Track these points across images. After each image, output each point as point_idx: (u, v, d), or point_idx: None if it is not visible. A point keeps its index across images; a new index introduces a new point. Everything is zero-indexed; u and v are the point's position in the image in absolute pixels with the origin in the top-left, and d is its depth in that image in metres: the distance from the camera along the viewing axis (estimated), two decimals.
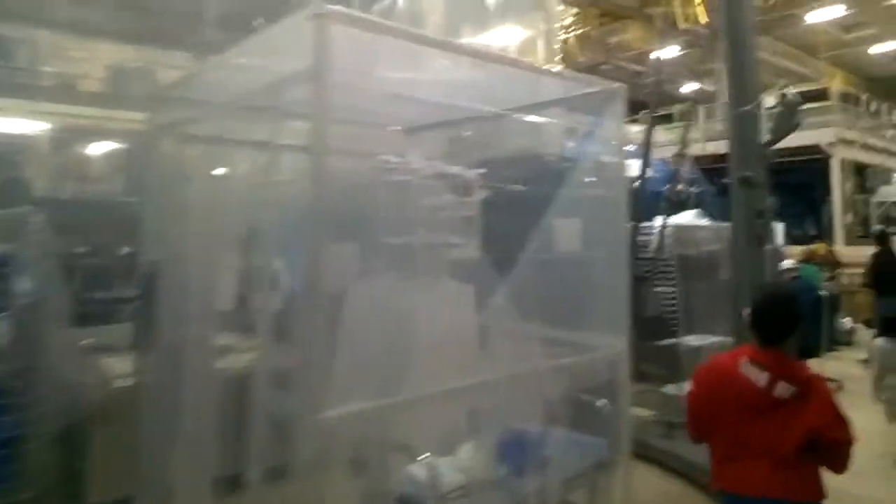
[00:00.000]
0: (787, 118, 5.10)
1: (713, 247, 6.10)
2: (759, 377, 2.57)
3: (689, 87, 28.86)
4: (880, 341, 6.09)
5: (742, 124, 5.16)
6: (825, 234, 16.62)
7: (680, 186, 14.20)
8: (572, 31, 21.31)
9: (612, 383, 3.18)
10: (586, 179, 3.35)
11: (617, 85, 3.43)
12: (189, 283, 3.12)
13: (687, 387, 5.89)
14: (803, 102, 5.29)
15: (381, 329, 3.19)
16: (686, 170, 14.93)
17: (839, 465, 2.64)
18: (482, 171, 4.01)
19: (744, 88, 5.19)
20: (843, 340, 9.88)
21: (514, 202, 4.03)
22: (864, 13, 22.48)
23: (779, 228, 10.82)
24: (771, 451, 2.58)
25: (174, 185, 3.44)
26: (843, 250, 13.47)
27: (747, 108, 5.10)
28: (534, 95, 3.76)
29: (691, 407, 2.90)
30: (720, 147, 19.01)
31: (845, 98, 18.92)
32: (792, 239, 16.58)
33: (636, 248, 6.09)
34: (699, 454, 5.03)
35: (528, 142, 3.90)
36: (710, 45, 23.98)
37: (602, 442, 3.10)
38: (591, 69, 28.10)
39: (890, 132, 20.85)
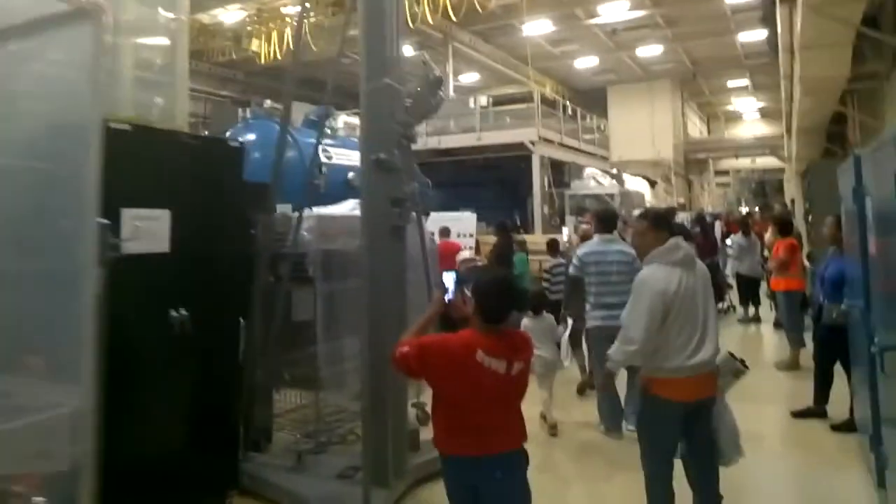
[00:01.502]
0: (427, 97, 4.34)
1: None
2: (499, 366, 2.68)
3: None
4: (525, 320, 5.72)
5: (375, 100, 4.29)
6: (529, 225, 17.29)
7: None
8: (305, 18, 19.88)
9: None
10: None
11: (90, 3, 2.17)
12: None
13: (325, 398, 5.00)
14: (443, 81, 4.55)
15: None
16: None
17: None
18: None
19: (378, 60, 4.32)
20: None
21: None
22: (567, 30, 24.15)
23: (470, 218, 10.57)
24: (507, 416, 2.80)
25: None
26: (536, 238, 13.86)
27: (381, 82, 4.24)
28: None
29: (411, 374, 2.93)
30: (445, 142, 19.28)
31: (548, 103, 19.93)
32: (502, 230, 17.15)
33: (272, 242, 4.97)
34: (324, 490, 4.15)
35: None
36: (444, 48, 24.38)
37: None
38: (331, 62, 27.11)
39: (587, 136, 22.59)
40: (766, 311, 10.25)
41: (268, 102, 12.48)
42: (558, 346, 6.23)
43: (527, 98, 19.14)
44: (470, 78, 28.16)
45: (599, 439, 5.48)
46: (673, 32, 24.47)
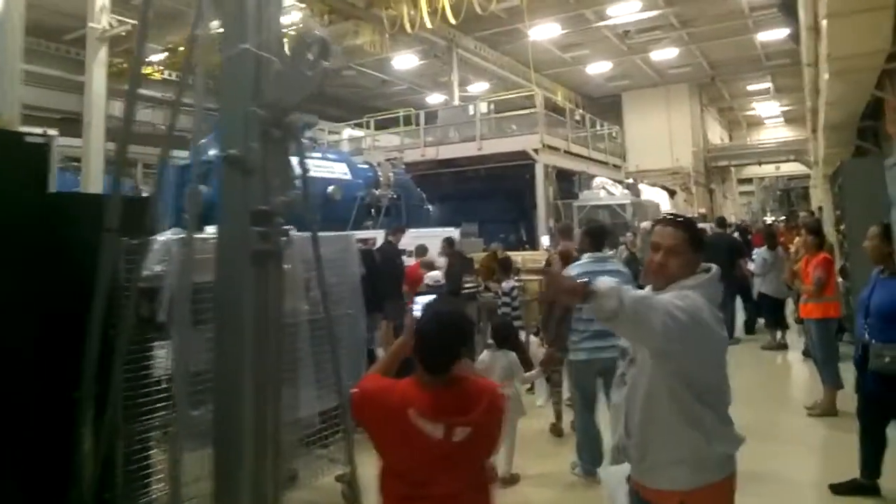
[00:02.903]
0: (301, 68, 3.06)
1: None
2: (434, 429, 2.08)
3: (435, 98, 28.12)
4: (484, 354, 4.92)
5: (231, 73, 3.04)
6: (535, 240, 15.93)
7: (379, 191, 12.45)
8: (300, 28, 18.83)
9: None
10: None
11: None
12: None
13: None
14: (328, 46, 3.24)
15: None
16: (392, 175, 13.26)
17: None
18: None
19: (237, 18, 3.06)
20: None
21: None
22: (577, 34, 22.82)
23: (453, 235, 9.23)
24: (462, 488, 2.17)
25: None
26: (537, 256, 12.50)
27: (238, 47, 2.99)
28: None
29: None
30: (444, 152, 17.99)
31: (552, 108, 18.61)
32: (507, 245, 15.75)
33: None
34: None
35: None
36: (447, 57, 23.18)
37: None
38: (335, 73, 26.10)
39: (600, 144, 21.10)
40: (794, 335, 8.75)
41: None
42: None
43: (532, 104, 17.77)
44: (479, 87, 26.95)
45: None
46: (688, 33, 23.02)
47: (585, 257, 4.75)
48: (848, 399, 5.06)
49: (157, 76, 22.42)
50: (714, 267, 2.20)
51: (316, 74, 3.07)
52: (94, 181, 11.84)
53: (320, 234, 4.06)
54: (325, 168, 11.50)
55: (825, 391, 5.80)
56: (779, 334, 8.73)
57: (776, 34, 22.24)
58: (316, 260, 3.56)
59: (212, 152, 11.08)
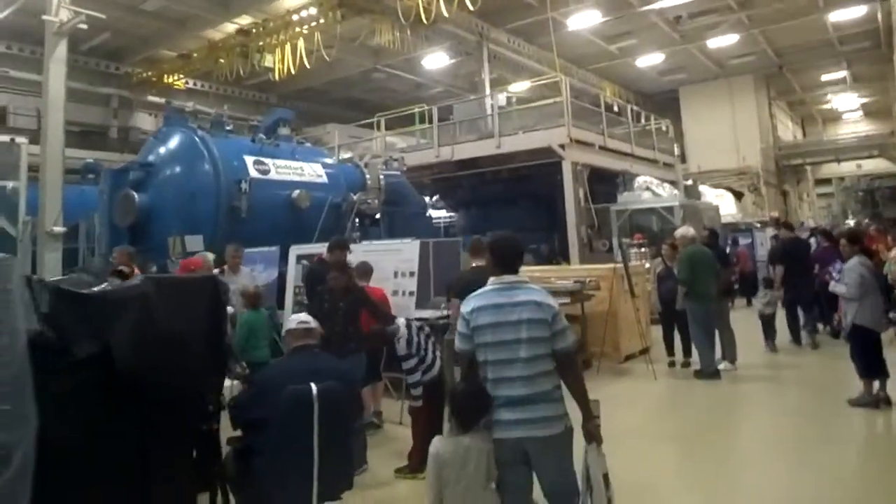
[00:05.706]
0: None
1: None
2: None
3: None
4: (438, 441, 3.07)
5: None
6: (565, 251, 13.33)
7: (357, 196, 10.24)
8: (313, 26, 17.00)
9: None
10: None
11: None
12: None
13: None
14: None
15: None
16: (381, 177, 11.04)
17: None
18: None
19: None
20: None
21: None
22: (621, 22, 20.13)
23: (412, 248, 6.78)
24: None
25: None
26: (566, 271, 10.03)
27: None
28: None
29: None
30: (460, 152, 15.63)
31: (591, 101, 15.96)
32: (538, 258, 13.21)
33: None
34: None
35: None
36: (478, 53, 20.86)
37: None
38: (365, 76, 24.25)
39: (650, 140, 18.22)
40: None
41: (190, 104, 9.51)
42: None
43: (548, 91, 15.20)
44: (520, 87, 24.50)
45: None
46: (748, 16, 19.90)
47: (490, 283, 3.08)
48: None
49: (181, 85, 21.22)
50: None
51: None
52: (52, 192, 10.18)
53: None
54: (292, 169, 9.41)
55: None
56: (876, 384, 5.89)
57: (850, 13, 18.93)
58: None
59: (151, 156, 9.06)
